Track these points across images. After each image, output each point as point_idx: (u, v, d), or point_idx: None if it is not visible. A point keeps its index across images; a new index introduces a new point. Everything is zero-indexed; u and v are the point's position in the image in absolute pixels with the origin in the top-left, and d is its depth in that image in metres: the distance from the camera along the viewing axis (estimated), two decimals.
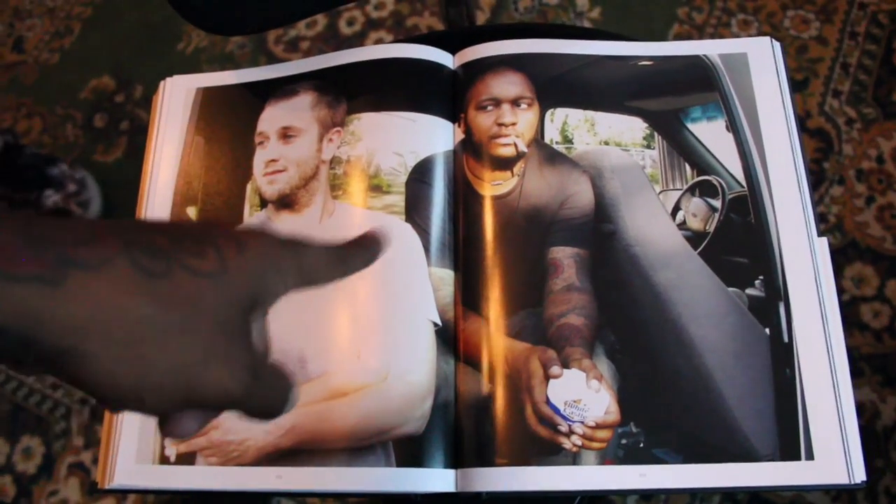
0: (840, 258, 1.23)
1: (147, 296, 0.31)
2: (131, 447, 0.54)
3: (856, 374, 1.16)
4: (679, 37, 1.41)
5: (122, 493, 0.55)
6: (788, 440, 0.50)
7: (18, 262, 0.28)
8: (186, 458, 0.54)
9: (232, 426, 0.53)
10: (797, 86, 1.33)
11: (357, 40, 1.48)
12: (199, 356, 0.31)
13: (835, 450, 0.50)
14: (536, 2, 1.46)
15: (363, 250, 0.40)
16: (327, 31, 1.50)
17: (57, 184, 1.29)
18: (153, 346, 0.31)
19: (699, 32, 1.39)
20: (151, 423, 0.55)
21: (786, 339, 0.53)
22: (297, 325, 0.55)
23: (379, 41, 1.47)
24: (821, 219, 1.24)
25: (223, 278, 0.33)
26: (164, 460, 0.54)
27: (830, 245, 1.23)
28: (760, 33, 1.37)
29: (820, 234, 0.56)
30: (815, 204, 0.57)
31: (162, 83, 0.68)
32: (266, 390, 0.35)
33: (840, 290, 1.21)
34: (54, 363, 0.30)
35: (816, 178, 1.27)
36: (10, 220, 0.29)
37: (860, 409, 1.14)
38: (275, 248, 0.35)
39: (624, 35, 0.68)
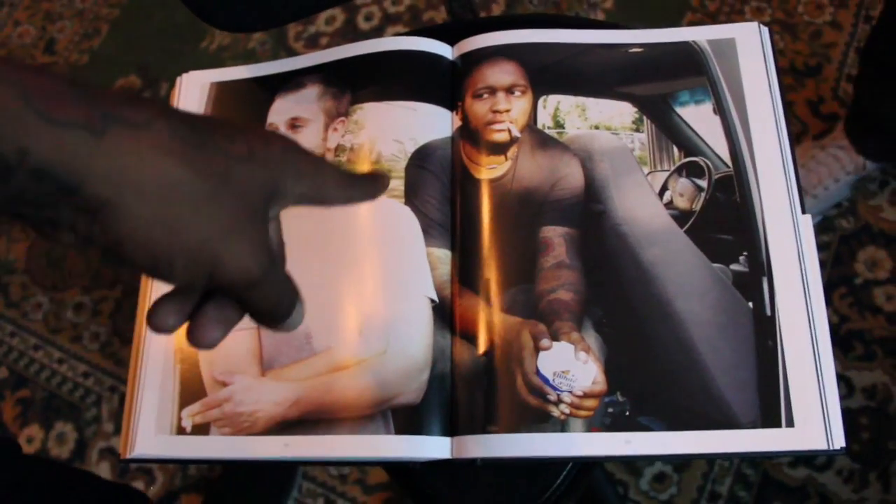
0: (853, 242, 1.24)
1: (182, 160, 0.32)
2: (151, 419, 0.58)
3: (868, 357, 1.17)
4: (692, 25, 1.42)
5: (143, 461, 0.59)
6: (770, 408, 0.52)
7: (66, 109, 0.29)
8: (201, 429, 0.57)
9: (243, 398, 0.57)
10: (810, 71, 1.33)
11: (375, 35, 1.51)
12: (226, 227, 0.33)
13: (815, 417, 0.52)
14: None
15: (368, 184, 0.42)
16: (346, 26, 1.53)
17: None
18: (186, 208, 0.32)
19: (712, 20, 1.40)
20: (170, 394, 0.59)
21: (768, 312, 0.55)
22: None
23: (398, 34, 1.50)
24: (834, 203, 1.25)
25: (249, 164, 0.34)
26: (181, 431, 0.58)
27: (843, 229, 1.24)
28: (773, 20, 1.38)
29: (804, 211, 0.58)
30: (799, 183, 0.59)
31: (178, 79, 0.71)
32: (280, 284, 0.37)
33: (853, 274, 1.21)
34: (92, 217, 0.30)
35: None
36: (61, 75, 0.30)
37: (872, 391, 1.15)
38: (297, 151, 0.37)
39: (622, 24, 0.70)
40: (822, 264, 1.22)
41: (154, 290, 0.62)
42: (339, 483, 1.22)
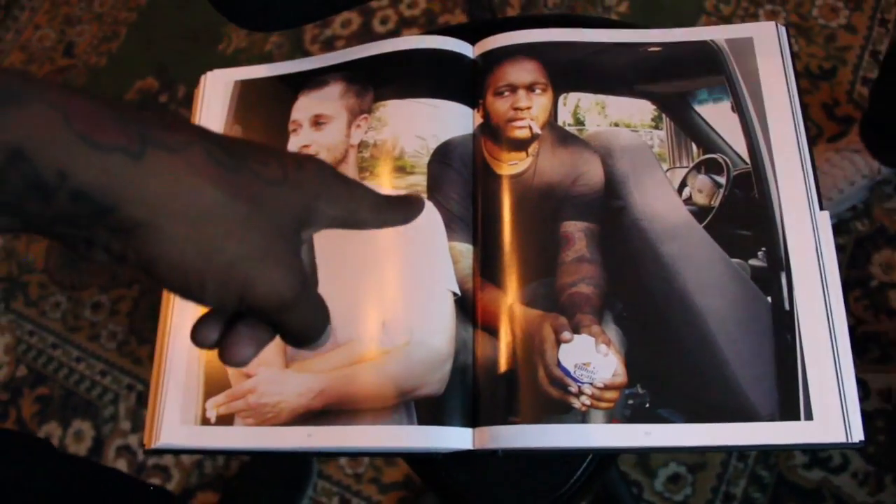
0: (868, 245, 1.24)
1: (217, 183, 0.32)
2: (176, 409, 0.59)
3: (884, 359, 1.17)
4: None
5: (167, 452, 0.60)
6: (788, 401, 0.53)
7: (106, 132, 0.30)
8: (226, 420, 0.58)
9: (267, 389, 0.58)
10: (825, 74, 1.34)
11: (391, 38, 1.52)
12: (259, 251, 0.33)
13: (833, 410, 0.53)
14: None
15: (402, 207, 0.42)
16: (362, 29, 1.55)
17: None
18: (219, 231, 0.32)
19: (727, 24, 1.41)
20: (195, 386, 0.60)
21: (787, 306, 0.56)
22: (327, 296, 0.59)
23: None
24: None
25: (283, 188, 0.35)
26: (205, 422, 0.59)
27: (859, 231, 1.24)
28: (788, 23, 1.38)
29: (822, 207, 0.58)
30: (817, 180, 0.59)
31: (203, 77, 0.72)
32: (311, 308, 0.37)
33: (868, 277, 1.22)
34: (128, 237, 0.31)
35: None
36: (100, 97, 0.31)
37: (888, 394, 1.15)
38: (330, 175, 0.37)
39: (641, 24, 0.71)
40: (838, 266, 1.22)
41: None
42: (354, 482, 1.22)
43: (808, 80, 1.33)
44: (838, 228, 1.25)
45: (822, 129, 1.30)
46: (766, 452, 1.14)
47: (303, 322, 0.37)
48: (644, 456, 1.16)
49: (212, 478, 1.26)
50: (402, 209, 0.42)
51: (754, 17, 1.40)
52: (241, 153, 0.34)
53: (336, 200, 0.37)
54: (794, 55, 0.63)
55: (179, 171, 0.31)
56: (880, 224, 1.24)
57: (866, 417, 1.13)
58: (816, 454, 1.14)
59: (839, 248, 1.23)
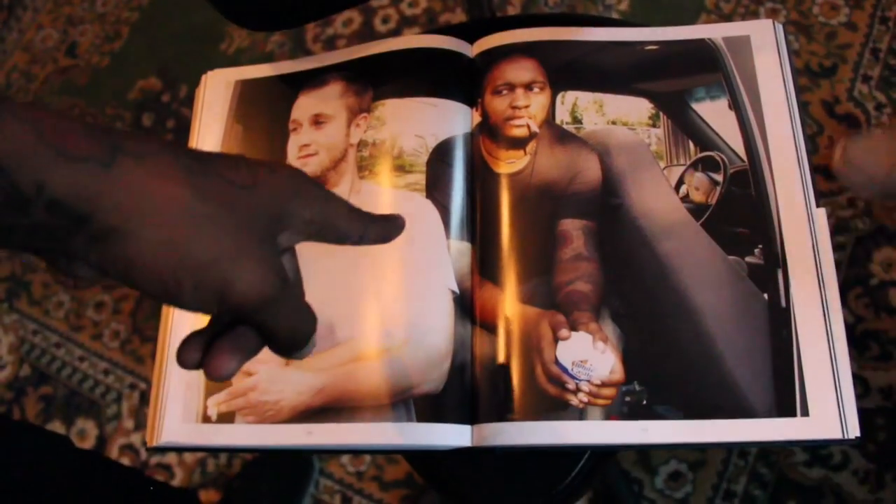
0: (869, 243, 1.24)
1: (187, 187, 0.33)
2: (177, 407, 0.60)
3: (884, 357, 1.17)
4: None
5: (169, 449, 0.60)
6: (785, 398, 0.53)
7: (78, 144, 0.31)
8: (226, 417, 0.59)
9: (268, 387, 0.58)
10: (825, 72, 1.34)
11: (392, 37, 1.52)
12: (233, 250, 0.34)
13: (829, 407, 0.53)
14: None
15: (381, 223, 0.42)
16: (363, 28, 1.55)
17: None
18: (191, 232, 0.33)
19: (727, 21, 1.41)
20: (196, 383, 0.60)
21: (783, 303, 0.56)
22: (326, 295, 0.60)
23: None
24: (849, 204, 1.26)
25: (254, 191, 0.35)
26: (206, 419, 0.59)
27: (859, 230, 1.24)
28: (788, 21, 1.38)
29: (819, 204, 0.59)
30: (814, 177, 0.60)
31: (204, 76, 0.73)
32: (295, 310, 0.38)
33: (868, 275, 1.22)
34: (104, 245, 0.32)
35: None
36: (66, 113, 0.33)
37: (888, 391, 1.15)
38: (303, 180, 0.38)
39: (638, 22, 0.71)
40: (838, 265, 1.22)
41: None
42: (356, 480, 1.23)
43: (809, 77, 1.34)
44: (839, 227, 1.25)
45: (822, 127, 1.30)
46: (767, 450, 1.14)
47: (287, 325, 0.37)
48: (644, 453, 1.17)
49: (214, 476, 1.27)
50: (380, 224, 0.42)
51: (755, 15, 1.41)
52: (210, 160, 0.35)
53: (310, 204, 0.38)
54: (791, 53, 0.63)
55: (149, 176, 0.32)
56: (881, 223, 1.24)
57: (867, 415, 1.13)
58: (817, 452, 1.14)
59: (840, 247, 1.24)
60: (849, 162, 1.17)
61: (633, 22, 0.70)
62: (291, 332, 0.38)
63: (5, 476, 0.67)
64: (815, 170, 0.62)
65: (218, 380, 0.37)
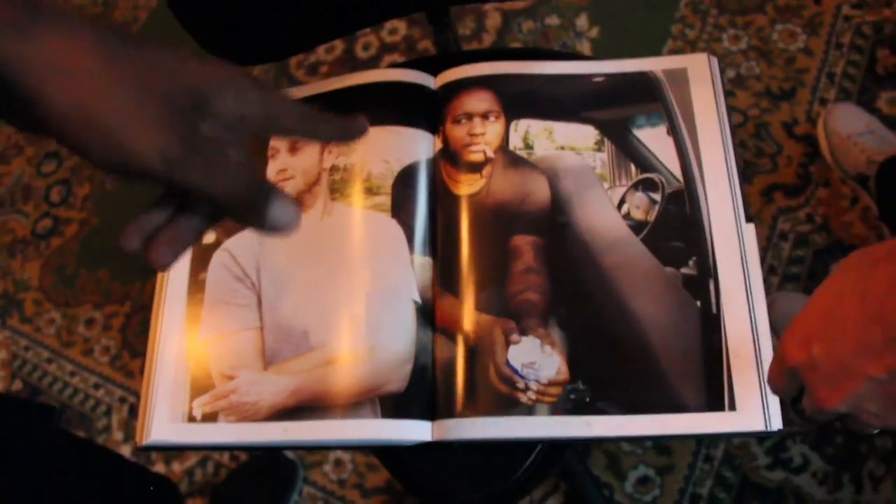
0: (826, 257, 1.30)
1: (101, 55, 0.35)
2: (165, 408, 0.65)
3: None
4: (673, 52, 1.49)
5: (157, 449, 0.65)
6: (715, 395, 0.59)
7: None
8: (210, 417, 0.64)
9: (248, 389, 0.64)
10: (785, 95, 1.41)
11: (372, 63, 1.59)
12: (138, 117, 0.35)
13: (754, 403, 0.59)
14: (539, 24, 1.56)
15: (337, 124, 0.43)
16: (345, 55, 1.61)
17: None
18: (98, 97, 0.35)
19: (692, 47, 1.48)
20: (182, 386, 0.65)
21: (714, 310, 0.62)
22: (302, 304, 0.66)
23: (392, 63, 1.58)
24: (807, 219, 1.32)
25: (174, 71, 0.37)
26: (191, 419, 0.64)
27: (817, 244, 1.30)
28: (750, 47, 1.45)
29: (748, 220, 0.65)
30: (745, 194, 0.66)
31: None
32: (219, 170, 0.38)
33: None
34: (22, 105, 0.34)
35: (803, 182, 1.34)
36: None
37: None
38: (239, 76, 0.39)
39: (588, 56, 0.78)
40: (797, 278, 1.29)
41: (166, 303, 0.69)
42: (338, 487, 1.28)
43: (769, 100, 1.40)
44: (798, 241, 1.31)
45: (781, 147, 1.37)
46: (731, 454, 1.20)
47: (214, 186, 0.37)
48: (614, 459, 1.22)
49: (201, 485, 1.32)
50: (335, 124, 0.43)
51: (718, 42, 1.48)
52: (133, 37, 0.37)
53: (243, 99, 0.39)
54: (725, 83, 0.70)
55: (63, 43, 0.34)
56: (837, 237, 1.31)
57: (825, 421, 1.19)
58: (778, 455, 1.20)
59: (799, 260, 1.30)
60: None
61: (582, 55, 0.77)
62: (222, 193, 0.38)
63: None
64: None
65: (157, 267, 0.40)
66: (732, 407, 0.59)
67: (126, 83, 0.35)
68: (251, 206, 0.39)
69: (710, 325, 0.61)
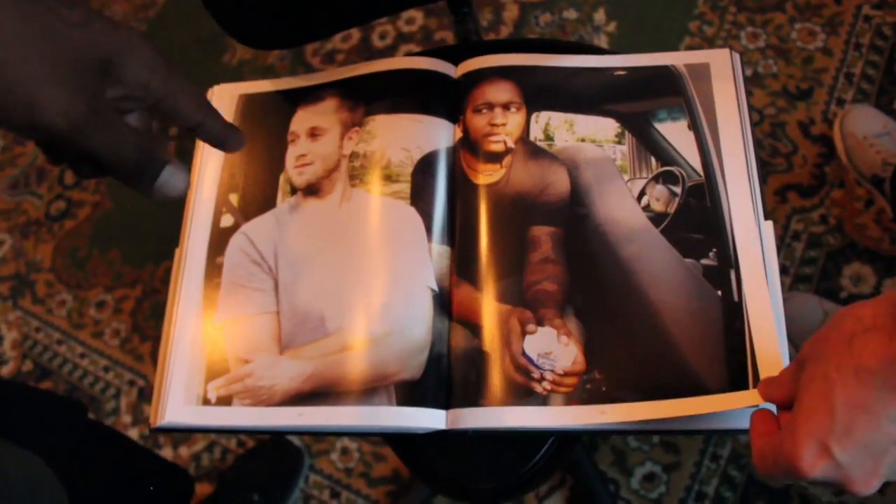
0: (839, 258, 1.30)
1: (10, 11, 0.35)
2: (180, 390, 0.65)
3: None
4: (690, 48, 1.49)
5: (171, 430, 0.66)
6: (737, 375, 0.58)
7: None
8: (225, 401, 0.64)
9: (263, 373, 0.64)
10: (802, 94, 1.40)
11: (389, 53, 1.59)
12: (43, 75, 0.35)
13: None
14: (556, 17, 1.55)
15: (224, 126, 0.44)
16: (361, 44, 1.61)
17: None
18: (7, 52, 0.35)
19: (709, 44, 1.47)
20: (198, 369, 0.66)
21: (736, 299, 0.61)
22: (319, 289, 0.66)
23: (408, 53, 1.58)
24: (821, 220, 1.32)
25: (83, 30, 0.37)
26: (206, 402, 0.65)
27: (830, 245, 1.30)
28: (768, 45, 1.45)
29: (766, 217, 0.64)
30: (763, 192, 0.65)
31: (210, 90, 0.79)
32: (117, 138, 0.38)
33: (839, 288, 1.28)
34: None
35: (818, 183, 1.34)
36: None
37: None
38: (147, 46, 0.39)
39: (610, 50, 0.77)
40: (809, 279, 1.28)
41: (183, 286, 0.69)
42: (344, 476, 1.28)
43: (786, 99, 1.40)
44: (811, 242, 1.31)
45: (797, 147, 1.37)
46: (738, 453, 1.20)
47: (108, 151, 0.38)
48: (621, 455, 1.22)
49: (208, 469, 1.32)
50: (222, 125, 0.44)
51: (736, 39, 1.47)
52: None
53: (149, 67, 0.39)
54: (746, 80, 0.70)
55: None
56: (851, 239, 1.30)
57: None
58: None
59: (811, 261, 1.30)
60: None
61: (604, 49, 0.77)
62: (115, 158, 0.38)
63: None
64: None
65: (83, 179, 0.41)
66: (757, 383, 0.58)
67: (36, 40, 0.35)
68: (139, 173, 0.40)
69: (732, 313, 0.61)
